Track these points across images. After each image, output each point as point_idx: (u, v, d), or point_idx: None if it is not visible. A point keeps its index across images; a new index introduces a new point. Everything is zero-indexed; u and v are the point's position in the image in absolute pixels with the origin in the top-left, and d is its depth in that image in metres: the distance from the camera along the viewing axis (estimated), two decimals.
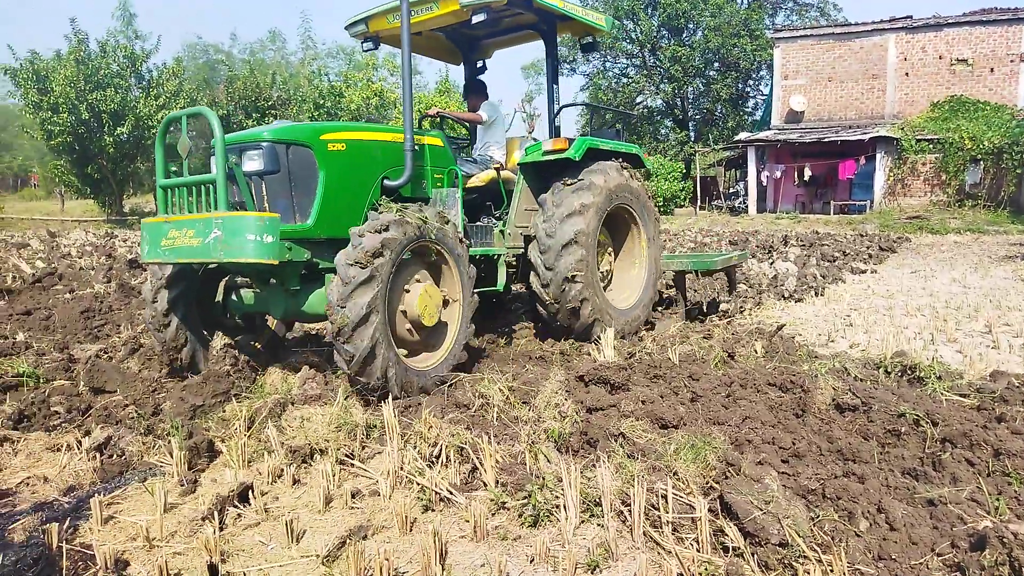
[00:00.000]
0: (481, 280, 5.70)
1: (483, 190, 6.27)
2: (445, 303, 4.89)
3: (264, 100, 29.20)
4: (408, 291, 4.60)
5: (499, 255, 5.84)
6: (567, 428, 3.52)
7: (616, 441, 3.32)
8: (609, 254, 6.60)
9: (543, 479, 3.04)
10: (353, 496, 3.14)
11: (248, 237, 4.15)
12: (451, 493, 3.09)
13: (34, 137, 28.34)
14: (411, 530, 2.87)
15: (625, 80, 43.00)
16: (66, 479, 3.45)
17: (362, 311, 4.08)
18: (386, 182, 5.16)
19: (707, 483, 2.89)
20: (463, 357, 4.93)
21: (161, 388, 4.70)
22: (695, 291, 8.98)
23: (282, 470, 3.38)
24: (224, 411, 3.88)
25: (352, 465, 3.43)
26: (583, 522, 2.83)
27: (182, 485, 3.30)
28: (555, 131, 6.54)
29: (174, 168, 4.82)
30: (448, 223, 4.87)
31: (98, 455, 3.61)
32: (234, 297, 5.30)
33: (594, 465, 3.10)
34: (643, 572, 2.43)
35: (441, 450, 3.41)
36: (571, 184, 5.92)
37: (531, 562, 2.63)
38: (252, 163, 4.64)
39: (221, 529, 2.89)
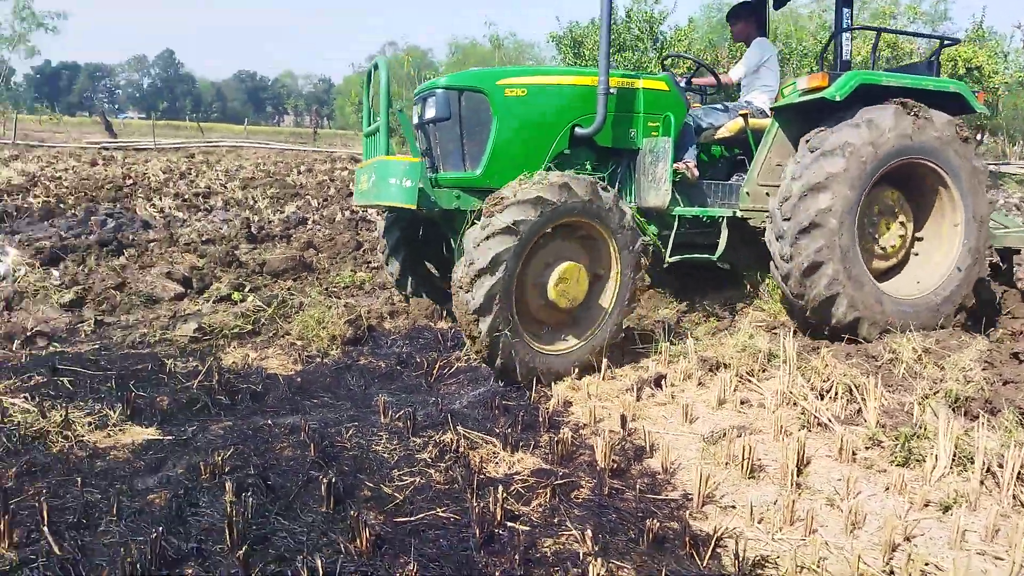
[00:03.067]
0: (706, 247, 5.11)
1: (734, 142, 5.56)
2: (597, 278, 4.31)
3: None
4: (549, 269, 4.08)
5: (723, 217, 5.02)
6: (969, 391, 3.47)
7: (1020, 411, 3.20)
8: (901, 224, 5.00)
9: (924, 429, 3.17)
10: (742, 403, 3.74)
11: (391, 181, 4.23)
12: (830, 421, 3.44)
13: None
14: (783, 439, 3.35)
15: None
16: None
17: (481, 299, 3.75)
18: (577, 130, 4.72)
19: None
20: (614, 338, 4.31)
21: None
22: None
23: (691, 373, 4.14)
24: (658, 315, 4.80)
25: (748, 381, 4.01)
26: (950, 472, 2.93)
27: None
28: (842, 64, 5.13)
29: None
30: (605, 192, 4.14)
31: None
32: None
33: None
34: (991, 520, 2.52)
35: (832, 386, 3.74)
36: (819, 139, 4.65)
37: (885, 489, 2.89)
38: (430, 111, 4.68)
39: (637, 400, 3.81)
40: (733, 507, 2.78)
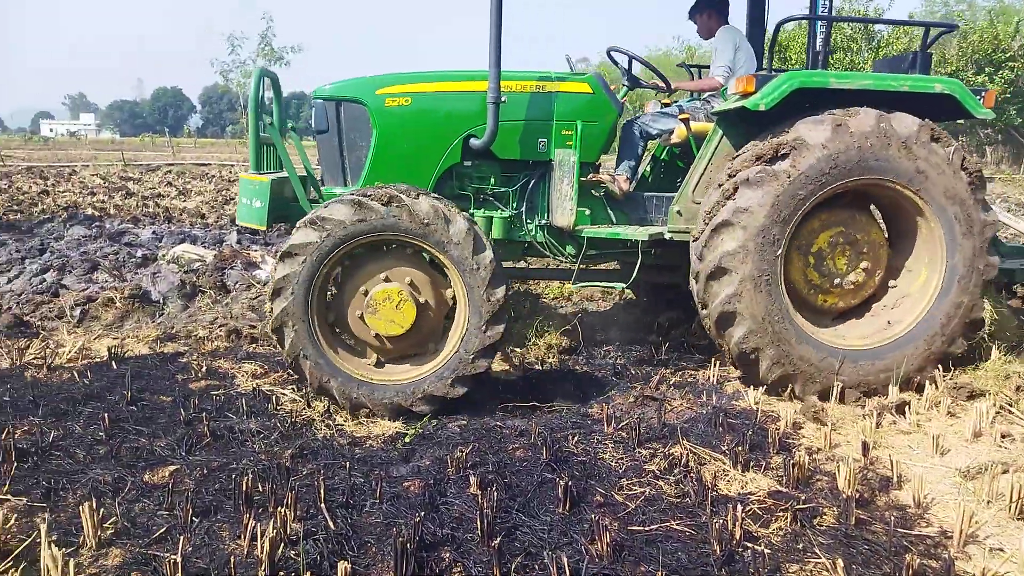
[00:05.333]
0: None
1: (683, 149, 4.82)
2: (437, 301, 3.85)
3: (1001, 52, 26.16)
4: (367, 292, 3.76)
5: (636, 241, 4.33)
6: None
7: None
8: (862, 256, 4.11)
9: None
10: (1003, 437, 3.37)
11: (243, 201, 4.18)
12: None
13: None
14: None
15: None
16: None
17: (275, 323, 3.69)
18: (472, 141, 4.30)
19: None
20: (475, 367, 3.77)
21: None
22: None
23: (939, 401, 3.79)
24: None
25: (1010, 412, 3.60)
26: None
27: None
28: (819, 61, 4.36)
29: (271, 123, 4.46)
30: (417, 204, 3.65)
31: None
32: None
33: None
34: None
35: None
36: (739, 158, 3.98)
37: None
38: (313, 122, 4.47)
39: (876, 427, 3.56)
40: (1000, 550, 2.53)
